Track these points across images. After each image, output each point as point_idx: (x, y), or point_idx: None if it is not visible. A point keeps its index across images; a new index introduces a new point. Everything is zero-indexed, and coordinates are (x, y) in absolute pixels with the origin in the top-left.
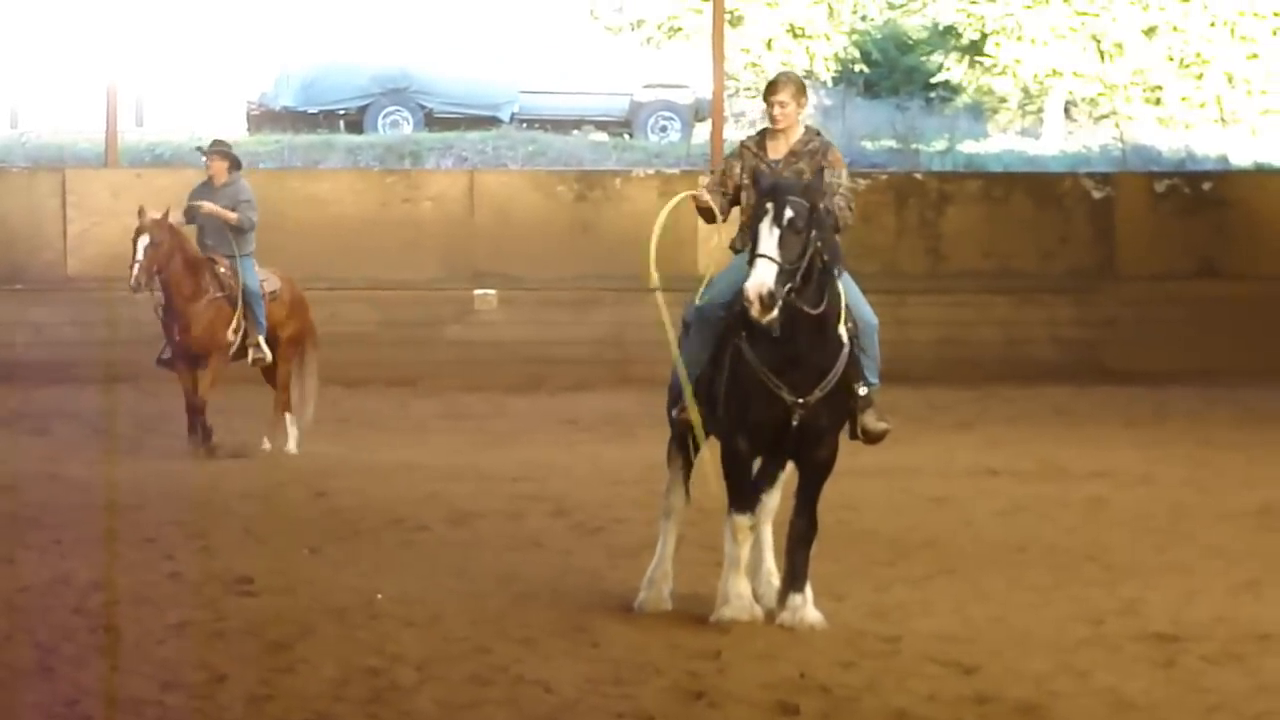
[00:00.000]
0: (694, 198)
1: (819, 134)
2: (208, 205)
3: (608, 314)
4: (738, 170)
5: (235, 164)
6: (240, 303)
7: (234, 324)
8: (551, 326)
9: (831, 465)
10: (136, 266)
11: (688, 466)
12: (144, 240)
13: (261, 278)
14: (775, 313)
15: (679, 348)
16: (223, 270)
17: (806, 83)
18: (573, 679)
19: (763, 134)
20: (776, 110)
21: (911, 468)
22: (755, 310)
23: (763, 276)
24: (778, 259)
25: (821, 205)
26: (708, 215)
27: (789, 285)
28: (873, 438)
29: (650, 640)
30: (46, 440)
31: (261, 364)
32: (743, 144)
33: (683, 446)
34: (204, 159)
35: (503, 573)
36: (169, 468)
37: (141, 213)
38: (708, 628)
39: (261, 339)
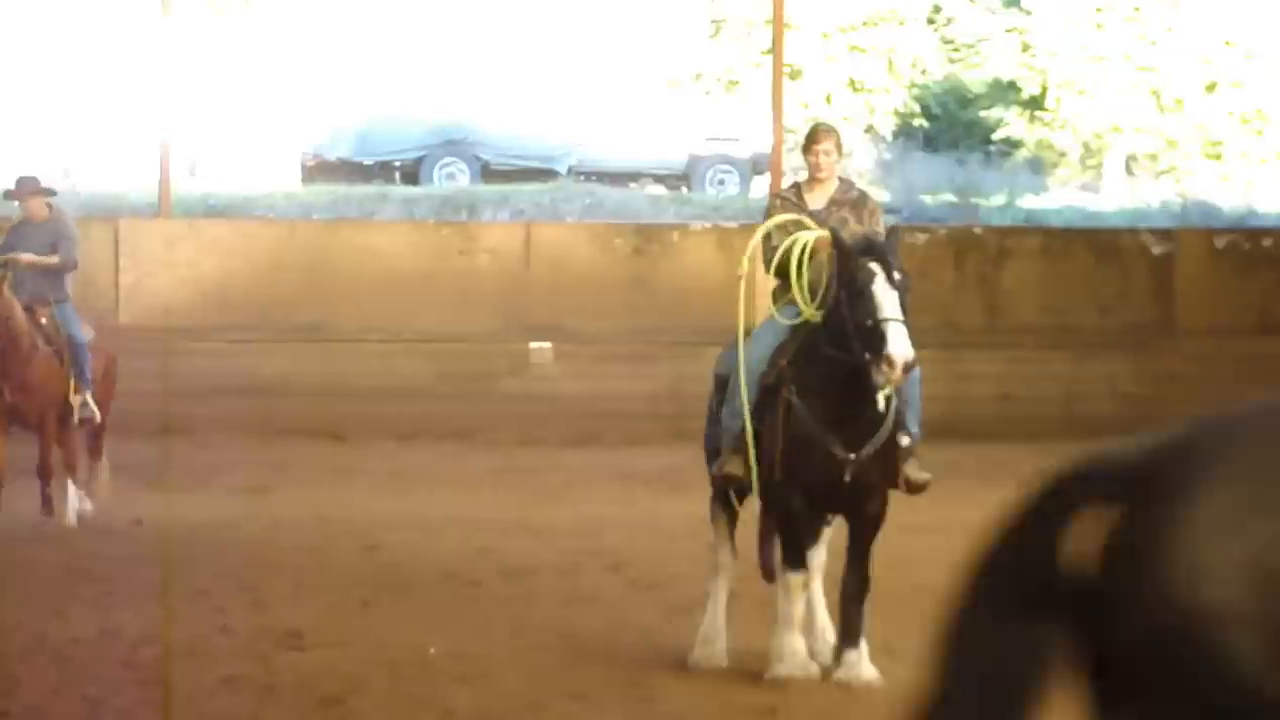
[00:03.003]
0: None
1: (854, 184)
2: (26, 257)
3: (664, 368)
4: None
5: (50, 195)
6: (68, 356)
7: (70, 380)
8: (607, 380)
9: (883, 519)
10: None
11: (732, 523)
12: None
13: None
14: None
15: (711, 402)
16: (44, 322)
17: (867, 136)
18: None
19: (797, 186)
20: (821, 159)
21: (970, 525)
22: (897, 376)
23: (907, 344)
24: (905, 320)
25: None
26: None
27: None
28: (915, 488)
29: (705, 697)
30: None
31: (90, 422)
32: (779, 195)
33: (726, 503)
34: (16, 203)
35: (557, 628)
36: (221, 519)
37: None
38: (763, 684)
39: (88, 394)
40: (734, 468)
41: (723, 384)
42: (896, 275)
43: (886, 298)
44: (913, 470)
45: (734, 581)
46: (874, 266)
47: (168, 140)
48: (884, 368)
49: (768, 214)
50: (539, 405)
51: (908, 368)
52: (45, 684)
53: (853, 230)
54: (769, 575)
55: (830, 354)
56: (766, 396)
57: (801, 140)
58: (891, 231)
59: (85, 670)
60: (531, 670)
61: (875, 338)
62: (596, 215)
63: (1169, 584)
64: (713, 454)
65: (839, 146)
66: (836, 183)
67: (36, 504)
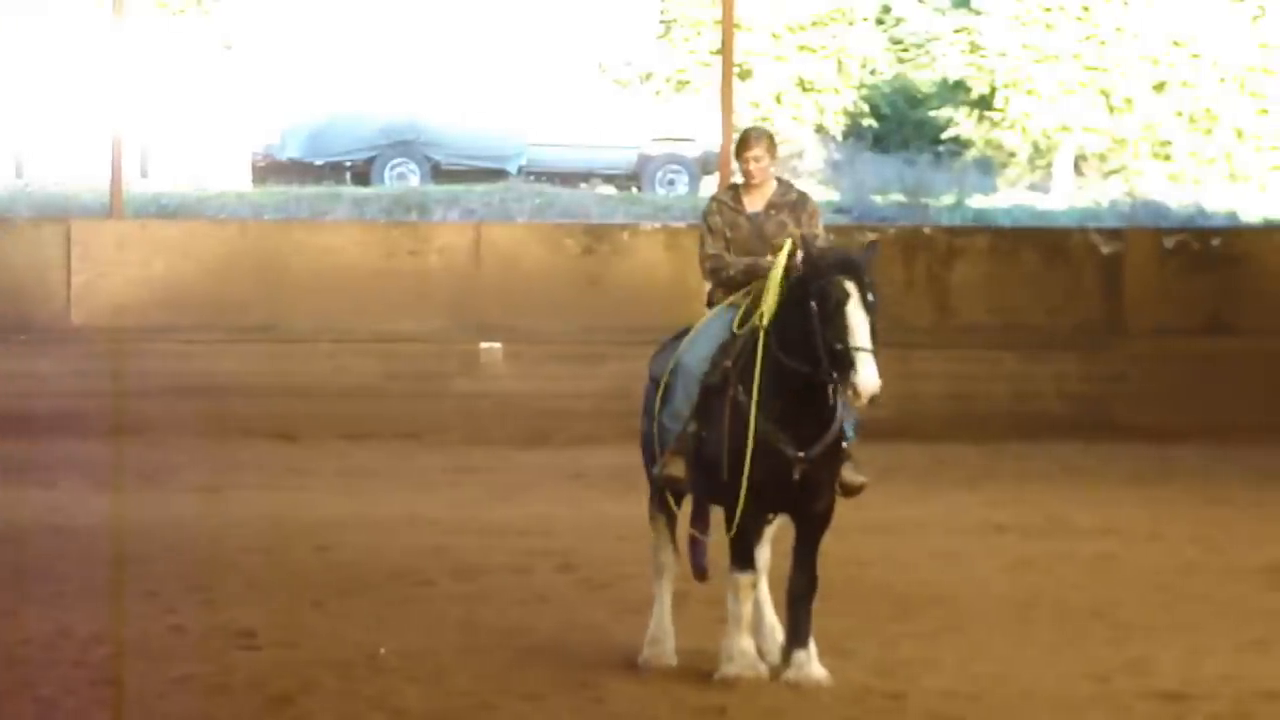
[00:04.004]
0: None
1: (792, 185)
2: None
3: (615, 367)
4: (719, 223)
5: None
6: None
7: None
8: (558, 380)
9: (830, 518)
10: None
11: (672, 524)
12: None
13: None
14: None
15: (645, 403)
16: None
17: (817, 136)
18: None
19: (735, 189)
20: (752, 165)
21: (918, 523)
22: (863, 404)
23: (874, 374)
24: (874, 349)
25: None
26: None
27: None
28: (850, 490)
29: (655, 697)
30: (51, 492)
31: None
32: (716, 199)
33: (664, 505)
34: None
35: (508, 628)
36: (172, 520)
37: None
38: (712, 685)
39: None
40: (675, 469)
41: (658, 385)
42: (870, 297)
43: (859, 323)
44: (848, 473)
45: (678, 581)
46: (850, 286)
47: (120, 141)
48: (850, 395)
49: (705, 217)
50: (490, 405)
51: (873, 399)
52: None
53: (791, 233)
54: (701, 575)
55: (781, 359)
56: (709, 397)
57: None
58: (871, 247)
59: (37, 671)
60: (482, 670)
61: (844, 364)
62: (547, 215)
63: None
64: (649, 455)
65: (771, 150)
66: (774, 185)
67: None
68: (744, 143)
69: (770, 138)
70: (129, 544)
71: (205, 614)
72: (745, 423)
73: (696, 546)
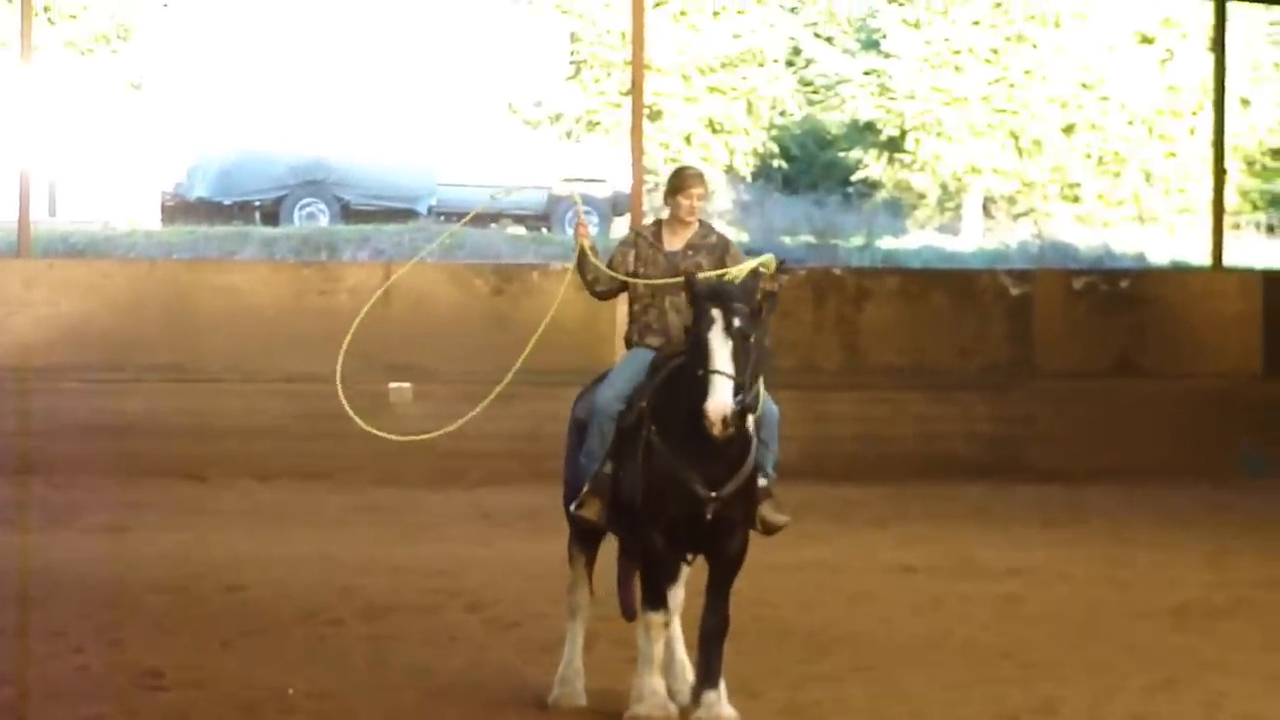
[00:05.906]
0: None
1: (713, 228)
2: None
3: (524, 408)
4: (631, 258)
5: None
6: None
7: None
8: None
9: (743, 558)
10: None
11: (590, 564)
12: None
13: None
14: (731, 429)
15: (569, 443)
16: None
17: (726, 177)
18: None
19: (658, 225)
20: (696, 202)
21: (828, 564)
22: (717, 430)
23: (724, 397)
24: (733, 374)
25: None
26: (583, 268)
27: (740, 397)
28: (771, 529)
29: None
30: None
31: None
32: (637, 231)
33: (583, 545)
34: None
35: (416, 667)
36: (79, 559)
37: None
38: None
39: None
40: (589, 511)
41: (581, 427)
42: (737, 322)
43: (718, 348)
44: (769, 512)
45: (591, 622)
46: (715, 313)
47: (28, 179)
48: (704, 421)
49: (619, 243)
50: (399, 445)
51: (725, 422)
52: None
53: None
54: (629, 615)
55: (689, 398)
56: (624, 437)
57: (666, 182)
58: (752, 275)
59: None
60: (391, 710)
61: (702, 389)
62: (457, 255)
63: None
64: (572, 496)
65: (707, 191)
66: (696, 227)
67: None
68: (685, 180)
69: (706, 179)
70: (35, 584)
71: (112, 654)
72: (658, 462)
73: (626, 588)
